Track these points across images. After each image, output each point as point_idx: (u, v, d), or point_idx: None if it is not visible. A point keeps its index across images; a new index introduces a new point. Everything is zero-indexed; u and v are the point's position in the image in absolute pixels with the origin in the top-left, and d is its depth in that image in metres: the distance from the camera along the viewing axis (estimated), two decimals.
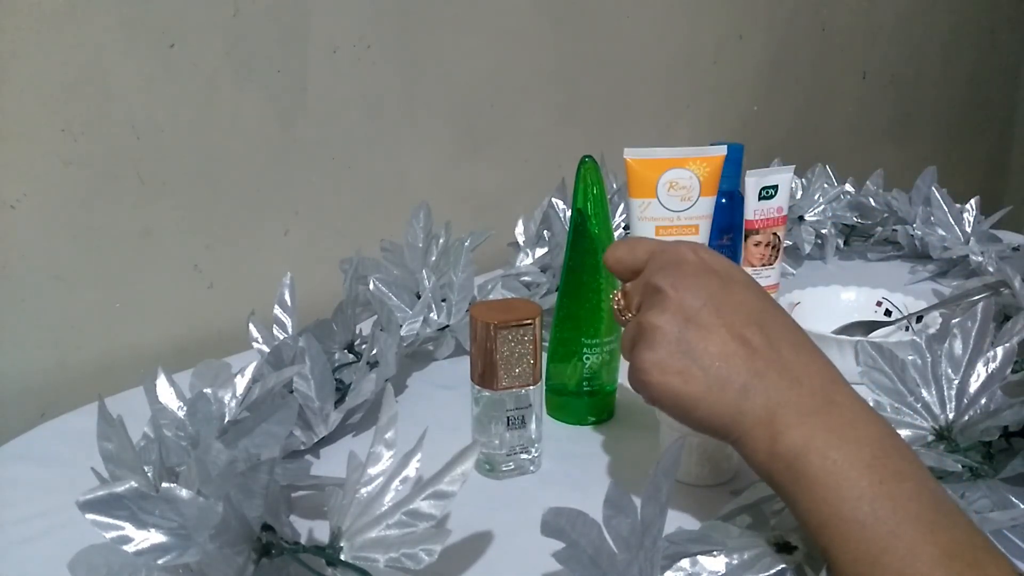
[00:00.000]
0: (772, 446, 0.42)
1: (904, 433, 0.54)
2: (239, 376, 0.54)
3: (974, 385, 0.54)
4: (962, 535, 0.38)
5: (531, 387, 0.58)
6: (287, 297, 0.65)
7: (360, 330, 0.71)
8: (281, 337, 0.64)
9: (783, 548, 0.45)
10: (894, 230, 1.07)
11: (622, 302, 0.51)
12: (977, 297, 0.79)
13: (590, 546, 0.40)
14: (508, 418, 0.58)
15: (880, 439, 0.41)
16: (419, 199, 0.83)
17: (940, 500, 0.39)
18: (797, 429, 0.41)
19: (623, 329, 0.51)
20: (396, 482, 0.45)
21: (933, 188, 1.04)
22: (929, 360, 0.56)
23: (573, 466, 0.61)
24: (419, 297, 0.77)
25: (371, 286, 0.75)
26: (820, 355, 0.45)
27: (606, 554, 0.41)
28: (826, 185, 1.10)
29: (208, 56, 0.80)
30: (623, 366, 0.69)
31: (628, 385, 0.48)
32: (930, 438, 0.53)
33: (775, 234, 0.81)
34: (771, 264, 0.81)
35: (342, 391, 0.65)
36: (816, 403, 0.42)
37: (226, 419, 0.53)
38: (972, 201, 1.02)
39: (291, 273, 0.66)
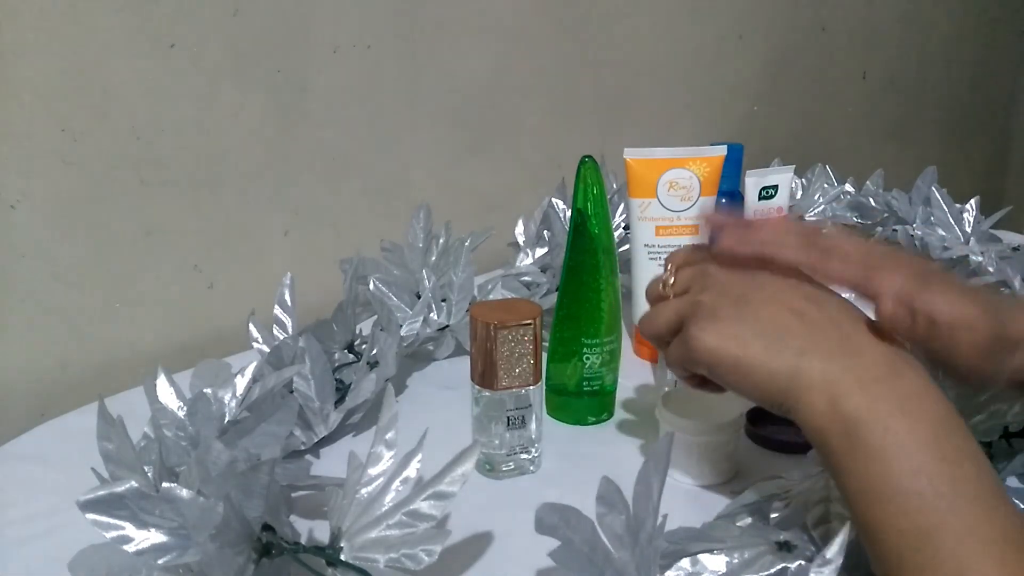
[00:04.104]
0: (831, 411, 0.41)
1: None
2: (239, 376, 0.54)
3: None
4: (1018, 520, 0.38)
5: (531, 387, 0.58)
6: (287, 297, 0.65)
7: (360, 330, 0.71)
8: (281, 337, 0.64)
9: (783, 547, 0.45)
10: (894, 230, 1.07)
11: (672, 280, 0.51)
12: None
13: (585, 544, 0.40)
14: (508, 418, 0.58)
15: (944, 417, 0.40)
16: (419, 199, 0.83)
17: (997, 485, 0.39)
18: (858, 396, 0.41)
19: (660, 314, 0.50)
20: (396, 482, 0.45)
21: (933, 188, 1.04)
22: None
23: (573, 466, 0.61)
24: (419, 297, 0.77)
25: (371, 286, 0.75)
26: (881, 331, 0.44)
27: (601, 552, 0.41)
28: (826, 185, 1.10)
29: (208, 56, 0.80)
30: (623, 366, 0.69)
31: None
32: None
33: None
34: None
35: (342, 391, 0.65)
36: (879, 372, 0.42)
37: (226, 419, 0.53)
38: (972, 201, 1.02)
39: (291, 273, 0.66)
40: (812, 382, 0.42)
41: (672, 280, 0.51)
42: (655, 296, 0.52)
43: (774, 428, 0.64)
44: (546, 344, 0.66)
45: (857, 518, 0.40)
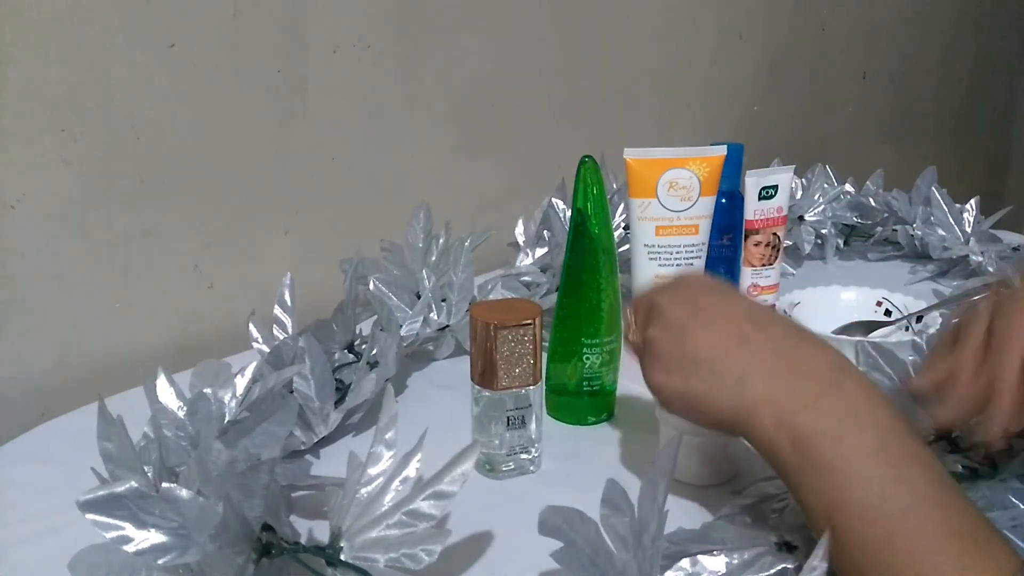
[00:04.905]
0: (778, 430, 0.42)
1: None
2: (239, 376, 0.54)
3: None
4: (971, 517, 0.38)
5: (531, 387, 0.58)
6: (287, 297, 0.65)
7: (360, 330, 0.71)
8: (281, 337, 0.64)
9: (783, 548, 0.45)
10: (894, 230, 1.07)
11: (632, 323, 0.53)
12: (977, 297, 0.79)
13: (588, 545, 0.40)
14: (508, 418, 0.58)
15: (888, 423, 0.41)
16: (419, 199, 0.83)
17: (948, 484, 0.39)
18: (802, 413, 0.42)
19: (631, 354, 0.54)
20: (396, 482, 0.45)
21: (933, 188, 1.04)
22: None
23: (573, 466, 0.61)
24: (419, 297, 0.77)
25: (371, 286, 0.75)
26: (823, 345, 0.45)
27: (604, 553, 0.41)
28: (826, 185, 1.10)
29: (208, 56, 0.80)
30: (623, 366, 0.69)
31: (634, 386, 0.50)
32: (931, 438, 0.53)
33: (775, 234, 0.81)
34: (771, 264, 0.81)
35: (342, 391, 0.64)
36: (820, 388, 0.42)
37: (226, 419, 0.53)
38: (972, 201, 1.02)
39: (291, 273, 0.66)
40: (756, 406, 0.43)
41: (632, 321, 0.53)
42: (627, 341, 0.55)
43: None
44: (546, 344, 0.66)
45: (818, 534, 0.40)
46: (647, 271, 0.77)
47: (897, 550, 0.37)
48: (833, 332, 0.75)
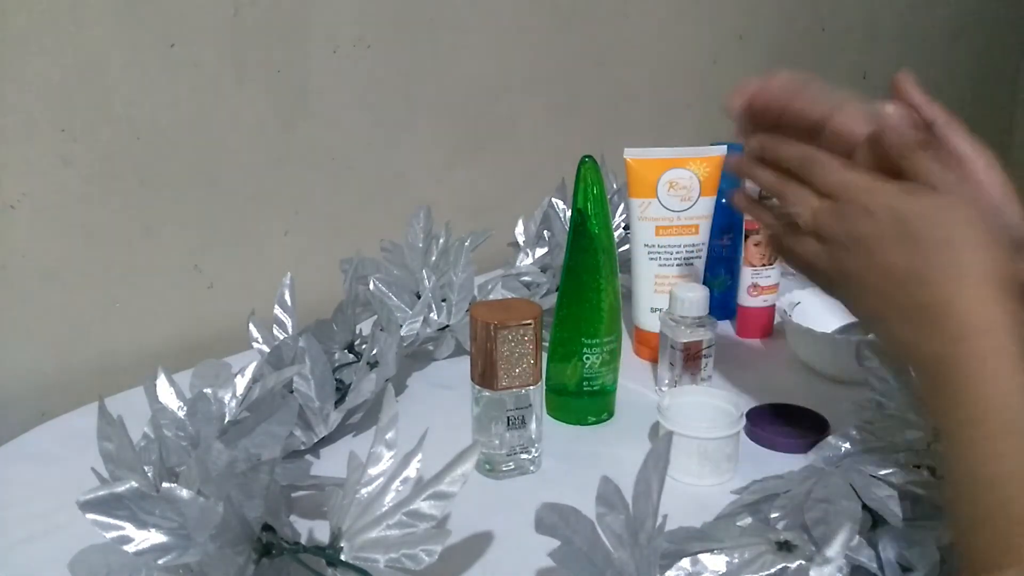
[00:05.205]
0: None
1: (905, 433, 0.54)
2: (239, 376, 0.54)
3: None
4: None
5: (531, 387, 0.58)
6: (287, 297, 0.65)
7: (360, 330, 0.71)
8: (281, 337, 0.64)
9: (783, 547, 0.45)
10: None
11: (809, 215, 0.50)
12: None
13: (584, 543, 0.40)
14: (508, 418, 0.58)
15: None
16: (419, 199, 0.83)
17: None
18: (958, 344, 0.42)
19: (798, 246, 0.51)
20: (396, 482, 0.45)
21: None
22: None
23: (573, 466, 0.61)
24: (419, 297, 0.77)
25: (371, 286, 0.75)
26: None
27: (601, 552, 0.41)
28: None
29: (208, 56, 0.80)
30: (623, 366, 0.69)
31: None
32: (931, 438, 0.53)
33: None
34: (771, 264, 0.81)
35: (342, 391, 0.65)
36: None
37: (226, 419, 0.53)
38: None
39: (291, 273, 0.66)
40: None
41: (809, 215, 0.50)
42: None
43: (774, 428, 0.64)
44: (546, 344, 0.66)
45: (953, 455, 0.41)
46: (647, 271, 0.77)
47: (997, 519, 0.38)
48: (833, 332, 0.75)
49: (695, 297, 0.67)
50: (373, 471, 0.46)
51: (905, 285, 0.44)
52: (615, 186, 0.94)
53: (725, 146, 0.74)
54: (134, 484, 0.39)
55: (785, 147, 0.53)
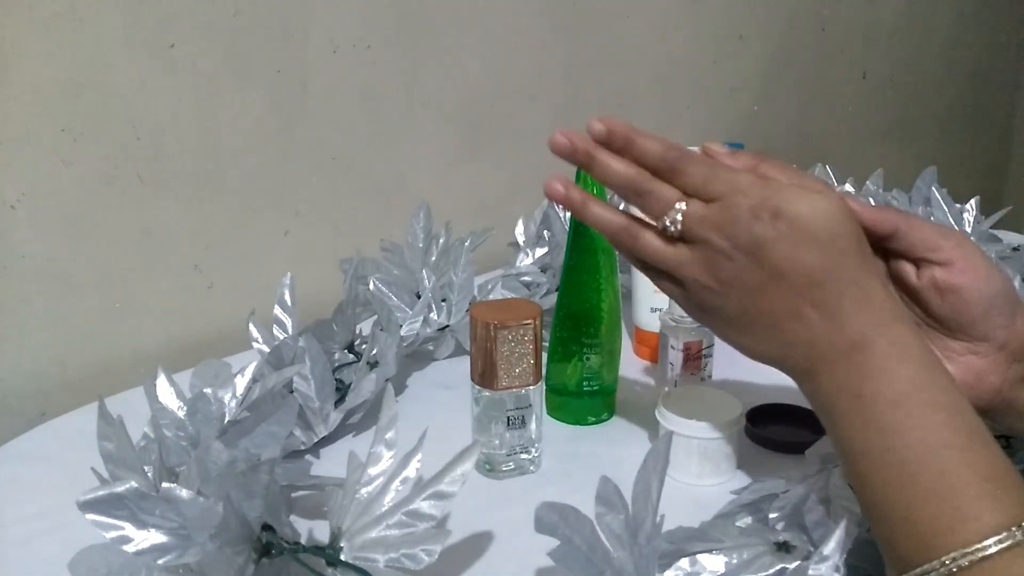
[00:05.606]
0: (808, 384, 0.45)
1: None
2: (239, 376, 0.54)
3: None
4: (997, 461, 0.39)
5: (531, 387, 0.58)
6: (287, 297, 0.65)
7: (360, 330, 0.71)
8: (281, 337, 0.64)
9: (782, 548, 0.46)
10: None
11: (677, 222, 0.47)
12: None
13: (584, 543, 0.40)
14: (508, 418, 0.58)
15: (915, 375, 0.41)
16: (419, 199, 0.83)
17: (974, 429, 0.40)
18: (824, 374, 0.43)
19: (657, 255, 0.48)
20: (396, 482, 0.45)
21: (933, 188, 1.04)
22: None
23: (573, 466, 0.61)
24: (419, 297, 0.77)
25: (371, 286, 0.75)
26: (873, 301, 0.43)
27: (600, 551, 0.41)
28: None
29: (208, 56, 0.80)
30: (623, 366, 0.69)
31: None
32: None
33: None
34: None
35: (342, 391, 0.65)
36: (850, 348, 0.43)
37: (226, 419, 0.53)
38: (972, 201, 1.02)
39: (291, 273, 0.66)
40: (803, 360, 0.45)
41: (677, 222, 0.46)
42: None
43: (774, 428, 0.64)
44: (546, 344, 0.66)
45: (853, 475, 0.43)
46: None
47: (924, 488, 0.39)
48: None
49: None
50: (373, 471, 0.46)
51: (824, 283, 0.43)
52: None
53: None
54: (134, 484, 0.39)
55: (650, 140, 0.50)
